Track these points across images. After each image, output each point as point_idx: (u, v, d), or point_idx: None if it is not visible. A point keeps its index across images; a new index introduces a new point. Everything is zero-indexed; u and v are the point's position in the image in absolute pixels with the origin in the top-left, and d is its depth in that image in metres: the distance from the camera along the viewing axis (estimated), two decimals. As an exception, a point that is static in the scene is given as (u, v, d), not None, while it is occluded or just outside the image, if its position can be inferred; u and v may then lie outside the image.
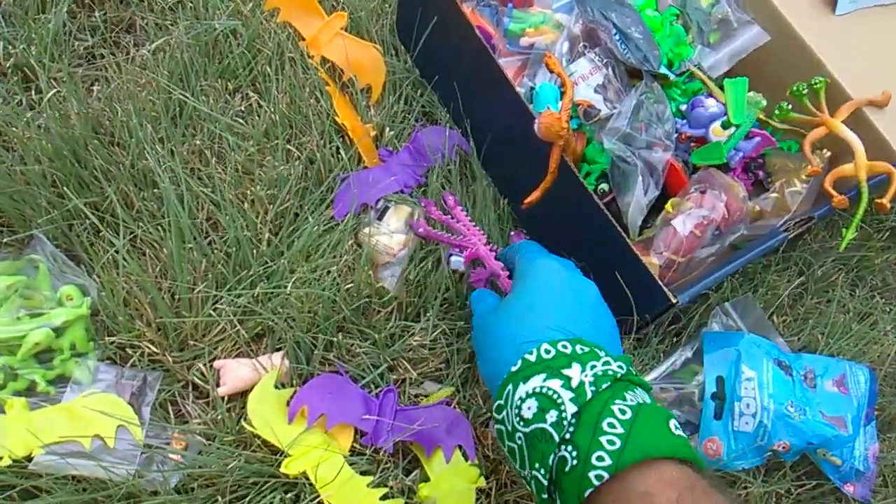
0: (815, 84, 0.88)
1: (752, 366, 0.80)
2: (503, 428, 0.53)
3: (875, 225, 1.01)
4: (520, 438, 0.51)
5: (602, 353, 0.53)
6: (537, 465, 0.49)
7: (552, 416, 0.48)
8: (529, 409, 0.50)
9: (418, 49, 0.98)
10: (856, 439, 0.80)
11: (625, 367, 0.53)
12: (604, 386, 0.49)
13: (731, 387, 0.80)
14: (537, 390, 0.50)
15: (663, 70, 0.85)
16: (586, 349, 0.53)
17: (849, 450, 0.79)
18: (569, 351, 0.52)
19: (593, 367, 0.50)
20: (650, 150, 0.84)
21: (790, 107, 0.89)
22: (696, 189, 0.82)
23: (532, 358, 0.52)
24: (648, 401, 0.51)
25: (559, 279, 0.62)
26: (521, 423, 0.50)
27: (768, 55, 0.94)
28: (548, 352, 0.52)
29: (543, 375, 0.50)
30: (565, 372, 0.50)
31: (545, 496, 0.49)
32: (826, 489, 0.83)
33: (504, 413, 0.53)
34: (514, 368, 0.53)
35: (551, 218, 0.86)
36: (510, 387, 0.53)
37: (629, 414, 0.47)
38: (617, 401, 0.48)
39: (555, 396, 0.49)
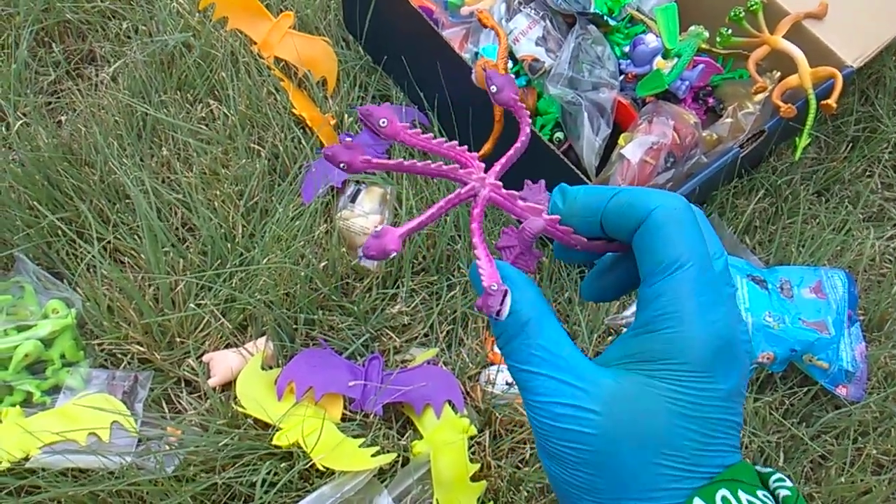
0: (752, 6, 0.90)
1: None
2: None
3: (836, 137, 1.01)
4: None
5: (781, 498, 0.29)
6: None
7: None
8: None
9: (366, 36, 1.01)
10: (840, 340, 0.80)
11: None
12: None
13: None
14: None
15: (594, 10, 0.87)
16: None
17: (834, 351, 0.79)
18: None
19: None
20: (597, 90, 0.85)
21: (730, 32, 0.91)
22: (645, 119, 0.83)
23: None
24: None
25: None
26: None
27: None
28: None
29: None
30: None
31: None
32: (818, 394, 0.83)
33: None
34: None
35: (510, 171, 0.88)
36: None
37: None
38: None
39: None
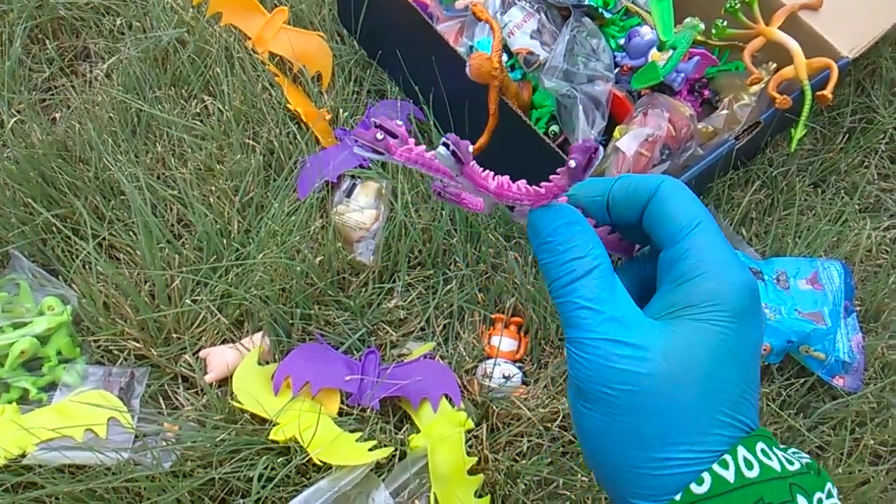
0: None
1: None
2: None
3: (832, 129, 1.01)
4: None
5: (804, 463, 0.30)
6: None
7: None
8: None
9: (361, 31, 1.01)
10: (836, 331, 0.80)
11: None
12: None
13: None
14: None
15: (589, 1, 0.87)
16: (792, 460, 0.30)
17: (830, 342, 0.79)
18: (776, 465, 0.29)
19: (820, 500, 0.29)
20: (592, 83, 0.85)
21: (725, 23, 0.91)
22: (640, 111, 0.83)
23: (729, 474, 0.29)
24: None
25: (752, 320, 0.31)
26: None
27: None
28: (749, 464, 0.29)
29: None
30: None
31: None
32: (815, 385, 0.83)
33: None
34: (698, 489, 0.28)
35: (506, 164, 0.88)
36: None
37: None
38: None
39: None
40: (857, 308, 0.87)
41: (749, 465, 0.28)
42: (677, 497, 0.28)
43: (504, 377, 0.82)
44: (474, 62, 0.73)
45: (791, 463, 0.29)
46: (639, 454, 0.29)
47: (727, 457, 0.28)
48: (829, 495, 0.29)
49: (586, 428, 0.31)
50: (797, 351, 0.81)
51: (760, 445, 0.29)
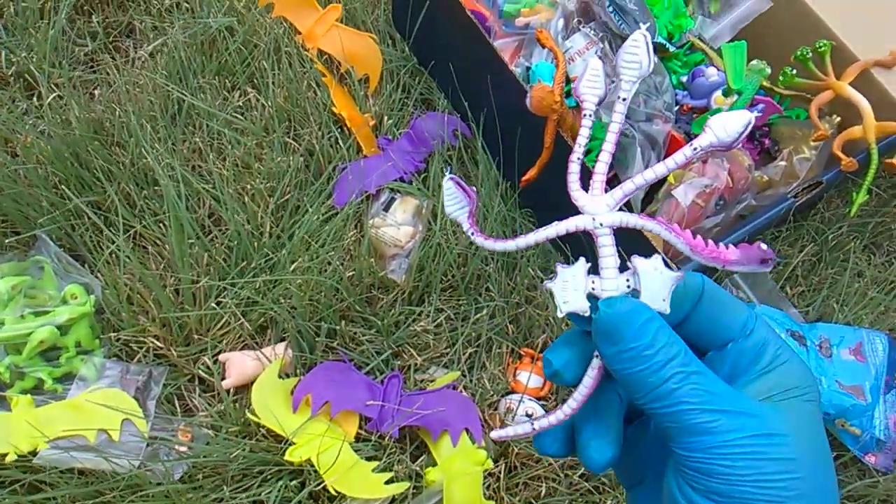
0: (820, 47, 0.86)
1: (764, 337, 0.78)
2: None
3: (890, 191, 0.98)
4: None
5: None
6: None
7: None
8: None
9: (414, 36, 0.97)
10: (875, 408, 0.77)
11: None
12: None
13: (744, 359, 0.78)
14: None
15: (660, 39, 0.84)
16: None
17: (868, 419, 0.77)
18: None
19: None
20: (650, 122, 0.82)
21: (795, 72, 0.87)
22: (698, 159, 0.80)
23: None
24: None
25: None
26: None
27: (771, 22, 0.92)
28: None
29: None
30: None
31: None
32: (846, 460, 0.80)
33: None
34: None
35: (552, 196, 0.85)
36: None
37: None
38: None
39: None
40: (898, 383, 0.85)
41: None
42: None
43: (527, 415, 0.79)
44: (536, 94, 0.70)
45: None
46: None
47: None
48: None
49: None
50: (833, 423, 0.78)
51: None
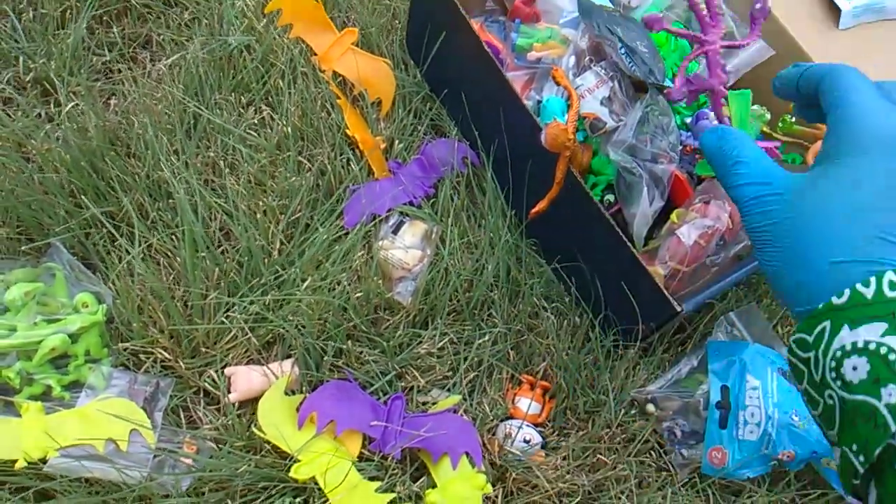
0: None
1: (757, 375, 0.81)
2: (805, 369, 0.38)
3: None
4: (831, 398, 0.37)
5: None
6: (854, 447, 0.35)
7: (891, 394, 0.33)
8: (856, 370, 0.35)
9: (427, 64, 1.00)
10: (861, 448, 0.80)
11: None
12: None
13: (736, 396, 0.81)
14: (872, 348, 0.34)
15: (668, 83, 0.87)
16: None
17: (854, 459, 0.79)
18: None
19: None
20: (655, 161, 0.85)
21: (793, 119, 0.91)
22: (701, 199, 0.83)
23: (868, 293, 0.35)
24: None
25: None
26: (839, 384, 0.36)
27: (773, 69, 0.95)
28: (893, 286, 0.34)
29: (884, 327, 0.34)
30: None
31: (855, 481, 0.36)
32: (831, 498, 0.83)
33: (811, 354, 0.37)
34: (837, 300, 0.35)
35: (559, 227, 0.88)
36: (827, 325, 0.36)
37: None
38: None
39: None
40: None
41: (893, 287, 0.34)
42: (820, 306, 0.35)
43: (525, 441, 0.81)
44: (551, 132, 0.73)
45: None
46: (796, 270, 0.38)
47: (872, 277, 0.34)
48: None
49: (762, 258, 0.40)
50: (819, 462, 0.81)
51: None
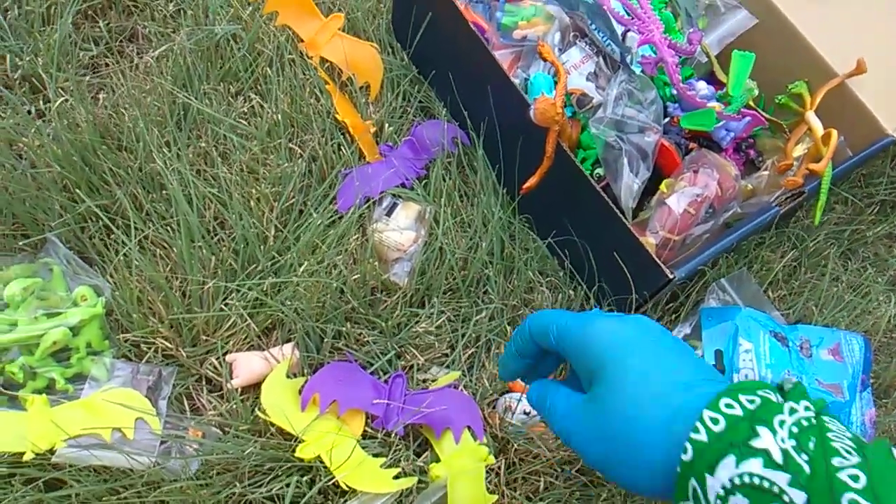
0: (793, 88, 0.92)
1: (750, 338, 0.83)
2: None
3: (865, 199, 1.03)
4: None
5: (765, 393, 0.39)
6: None
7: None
8: None
9: (414, 46, 1.00)
10: (852, 405, 0.82)
11: (801, 402, 0.39)
12: (811, 445, 0.36)
13: (730, 359, 0.82)
14: (738, 482, 0.36)
15: (651, 53, 0.87)
16: (753, 398, 0.38)
17: (846, 415, 0.81)
18: (738, 411, 0.38)
19: (782, 423, 0.37)
20: (642, 133, 0.86)
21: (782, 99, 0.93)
22: (690, 169, 0.84)
23: (702, 437, 0.38)
24: (849, 434, 0.39)
25: (650, 329, 0.46)
26: None
27: (756, 39, 0.96)
28: (715, 421, 0.38)
29: (733, 459, 0.37)
30: (756, 444, 0.36)
31: None
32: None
33: None
34: (686, 457, 0.38)
35: (551, 202, 0.89)
36: (694, 483, 0.38)
37: (862, 479, 0.34)
38: (837, 462, 0.35)
39: (768, 486, 0.36)
40: (873, 382, 0.90)
41: (715, 422, 0.38)
42: (678, 469, 0.38)
43: (525, 413, 0.83)
44: (539, 107, 0.74)
45: (752, 402, 0.38)
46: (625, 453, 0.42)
47: (698, 423, 0.38)
48: (792, 411, 0.38)
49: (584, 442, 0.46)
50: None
51: (725, 401, 0.38)
